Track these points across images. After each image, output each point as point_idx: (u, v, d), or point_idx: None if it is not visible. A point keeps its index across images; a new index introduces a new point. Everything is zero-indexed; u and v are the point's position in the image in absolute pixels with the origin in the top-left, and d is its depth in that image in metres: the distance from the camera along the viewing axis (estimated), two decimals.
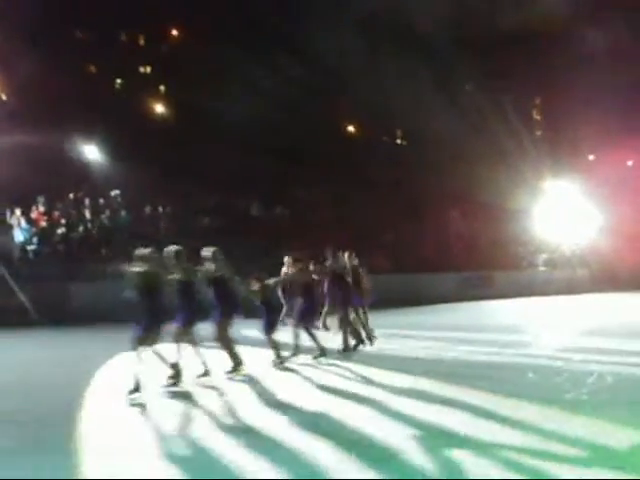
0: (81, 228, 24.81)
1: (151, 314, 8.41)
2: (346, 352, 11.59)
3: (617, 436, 5.72)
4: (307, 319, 11.18)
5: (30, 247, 22.99)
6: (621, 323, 15.87)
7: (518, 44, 36.36)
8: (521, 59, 36.63)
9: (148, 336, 8.34)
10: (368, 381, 8.93)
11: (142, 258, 8.77)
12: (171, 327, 8.94)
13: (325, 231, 26.13)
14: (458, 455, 5.29)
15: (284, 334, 11.06)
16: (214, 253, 9.78)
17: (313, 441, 5.85)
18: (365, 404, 7.38)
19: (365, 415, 6.84)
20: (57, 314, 19.64)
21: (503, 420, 6.41)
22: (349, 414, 6.84)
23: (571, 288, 30.13)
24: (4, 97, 31.24)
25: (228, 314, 9.65)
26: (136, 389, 8.00)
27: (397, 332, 14.76)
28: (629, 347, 11.55)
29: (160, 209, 28.52)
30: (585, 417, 6.47)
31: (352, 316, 12.23)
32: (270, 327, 10.52)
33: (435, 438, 5.85)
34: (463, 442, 5.66)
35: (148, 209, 28.00)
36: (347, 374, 9.61)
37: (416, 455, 5.34)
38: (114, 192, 28.07)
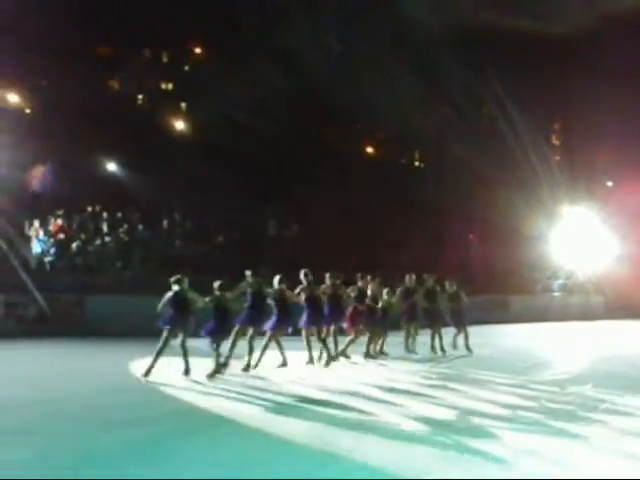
0: (98, 241, 25.00)
1: None
2: None
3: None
4: None
5: (47, 259, 23.19)
6: (634, 351, 15.82)
7: (538, 69, 36.48)
8: (540, 84, 36.70)
9: None
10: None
11: None
12: None
13: (342, 251, 26.25)
14: None
15: None
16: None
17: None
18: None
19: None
20: (71, 326, 19.83)
21: (510, 443, 6.44)
22: None
23: (585, 314, 29.93)
24: (27, 110, 31.67)
25: None
26: None
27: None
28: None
29: (178, 224, 28.68)
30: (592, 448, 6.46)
31: None
32: None
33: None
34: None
35: (165, 224, 28.16)
36: None
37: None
38: (132, 206, 28.32)
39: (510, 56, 35.13)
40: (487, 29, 34.69)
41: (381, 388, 10.08)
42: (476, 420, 7.66)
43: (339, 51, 33.41)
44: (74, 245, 24.07)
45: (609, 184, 42.75)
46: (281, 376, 11.44)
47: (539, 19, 33.65)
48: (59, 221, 24.96)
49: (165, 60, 39.25)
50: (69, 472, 5.56)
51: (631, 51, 33.88)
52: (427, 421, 7.58)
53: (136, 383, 10.68)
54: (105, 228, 26.15)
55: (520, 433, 6.98)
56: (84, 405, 8.65)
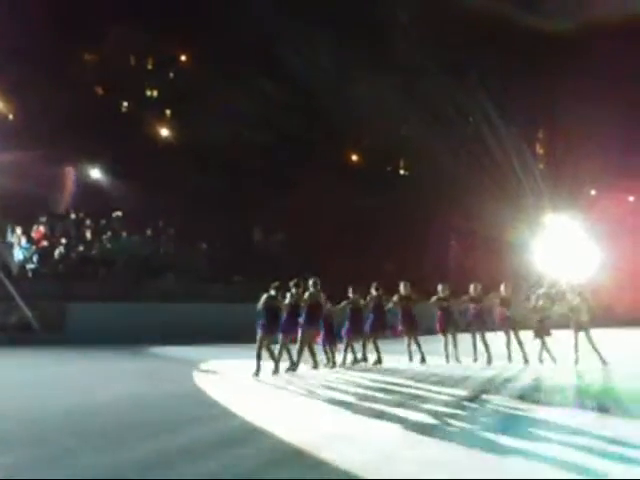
0: (81, 248, 24.84)
1: None
2: None
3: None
4: None
5: (29, 266, 23.01)
6: (615, 359, 15.91)
7: (522, 78, 36.69)
8: (525, 93, 36.90)
9: None
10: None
11: None
12: None
13: (326, 259, 26.24)
14: None
15: None
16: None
17: None
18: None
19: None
20: (54, 333, 19.69)
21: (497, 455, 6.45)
22: None
23: (568, 322, 30.05)
24: (11, 116, 31.47)
25: None
26: None
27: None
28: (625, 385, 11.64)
29: (162, 231, 28.59)
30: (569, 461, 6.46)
31: None
32: None
33: None
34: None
35: (150, 231, 28.06)
36: None
37: None
38: (116, 213, 28.19)
39: (495, 65, 35.34)
40: (472, 38, 34.95)
41: (375, 391, 10.07)
42: (464, 424, 7.66)
43: (327, 61, 33.45)
44: (57, 252, 23.92)
45: (592, 193, 43.06)
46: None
47: (525, 25, 33.91)
48: (41, 228, 24.78)
49: (150, 67, 39.14)
50: None
51: (616, 60, 34.20)
52: (415, 426, 7.58)
53: (113, 392, 10.55)
54: (88, 235, 26.00)
55: (506, 437, 6.98)
56: (62, 415, 8.54)
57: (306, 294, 13.39)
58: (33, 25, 27.75)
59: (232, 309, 21.85)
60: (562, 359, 15.09)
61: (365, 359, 14.65)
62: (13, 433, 7.35)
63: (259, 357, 12.43)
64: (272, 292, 12.88)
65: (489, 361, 14.99)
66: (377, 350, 14.56)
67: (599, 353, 14.65)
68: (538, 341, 15.31)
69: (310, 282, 13.62)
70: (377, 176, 39.72)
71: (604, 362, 14.49)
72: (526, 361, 14.92)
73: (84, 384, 11.56)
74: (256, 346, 12.56)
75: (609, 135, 35.35)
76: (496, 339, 15.48)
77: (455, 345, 15.45)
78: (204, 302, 22.77)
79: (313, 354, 13.47)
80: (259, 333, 12.61)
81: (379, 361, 14.46)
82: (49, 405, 9.12)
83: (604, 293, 32.72)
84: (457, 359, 15.18)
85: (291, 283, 13.28)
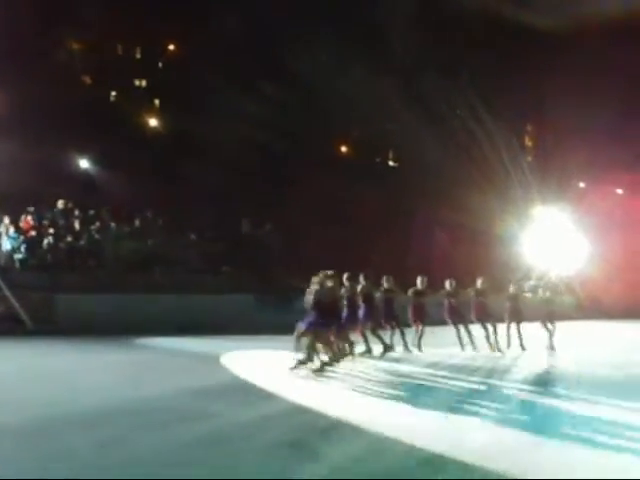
0: (69, 238, 24.66)
1: None
2: None
3: None
4: None
5: (17, 256, 22.85)
6: (603, 351, 16.10)
7: (511, 71, 36.71)
8: (513, 85, 36.93)
9: None
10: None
11: None
12: None
13: (314, 250, 26.18)
14: None
15: None
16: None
17: None
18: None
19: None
20: (41, 324, 19.56)
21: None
22: None
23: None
24: None
25: None
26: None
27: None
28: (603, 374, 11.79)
29: (150, 222, 28.44)
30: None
31: None
32: None
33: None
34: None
35: (138, 222, 27.89)
36: None
37: None
38: (104, 204, 28.02)
39: (483, 58, 35.34)
40: (462, 32, 34.96)
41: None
42: (461, 417, 7.70)
43: (320, 55, 33.33)
44: (45, 242, 23.77)
45: (581, 185, 43.17)
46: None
47: (514, 18, 33.90)
48: (29, 218, 24.58)
49: (138, 56, 38.93)
50: (37, 472, 5.44)
51: (605, 54, 34.24)
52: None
53: (99, 383, 10.48)
54: (77, 225, 25.82)
55: (498, 434, 6.99)
56: (49, 404, 8.46)
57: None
58: (19, 14, 27.53)
59: (221, 300, 21.87)
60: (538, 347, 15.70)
61: (369, 350, 14.55)
62: (8, 425, 7.29)
63: (300, 350, 11.74)
64: (316, 286, 12.21)
65: (474, 348, 15.66)
66: (381, 340, 14.64)
67: (551, 339, 16.19)
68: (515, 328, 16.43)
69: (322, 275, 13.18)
70: (366, 167, 39.69)
71: (552, 348, 16.07)
72: (502, 348, 15.86)
73: (85, 377, 11.47)
74: (294, 338, 11.82)
75: (597, 128, 35.41)
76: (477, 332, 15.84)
77: (419, 336, 15.79)
78: (193, 293, 22.69)
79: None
80: (303, 327, 11.83)
81: (387, 349, 14.59)
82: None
83: (592, 285, 32.89)
84: (418, 348, 15.53)
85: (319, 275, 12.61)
